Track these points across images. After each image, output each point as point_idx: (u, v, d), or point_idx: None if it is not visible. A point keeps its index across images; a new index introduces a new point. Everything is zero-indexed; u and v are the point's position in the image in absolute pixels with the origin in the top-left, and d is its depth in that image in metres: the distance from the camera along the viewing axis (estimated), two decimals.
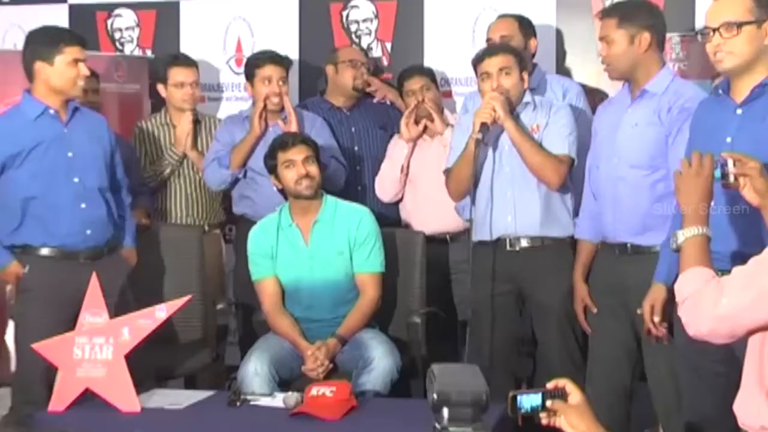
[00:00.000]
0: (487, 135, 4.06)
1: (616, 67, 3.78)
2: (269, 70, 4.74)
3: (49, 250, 4.07)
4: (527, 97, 4.22)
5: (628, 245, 3.80)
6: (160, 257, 4.65)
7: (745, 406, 2.31)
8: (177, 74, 5.07)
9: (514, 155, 4.13)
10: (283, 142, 4.24)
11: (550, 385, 2.22)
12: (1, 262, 4.08)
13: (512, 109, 4.14)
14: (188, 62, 5.15)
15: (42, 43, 4.07)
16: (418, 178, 4.82)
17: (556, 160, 4.10)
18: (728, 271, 2.31)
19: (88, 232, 4.09)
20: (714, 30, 3.13)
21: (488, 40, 4.71)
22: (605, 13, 3.87)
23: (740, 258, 2.70)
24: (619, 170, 3.78)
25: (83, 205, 4.08)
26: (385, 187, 4.89)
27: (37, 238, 4.06)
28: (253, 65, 4.80)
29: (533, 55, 4.77)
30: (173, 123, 5.06)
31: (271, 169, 4.25)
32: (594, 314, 3.96)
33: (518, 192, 4.16)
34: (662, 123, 3.70)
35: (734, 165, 2.65)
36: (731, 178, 2.66)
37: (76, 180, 4.07)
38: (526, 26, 4.74)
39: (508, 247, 4.18)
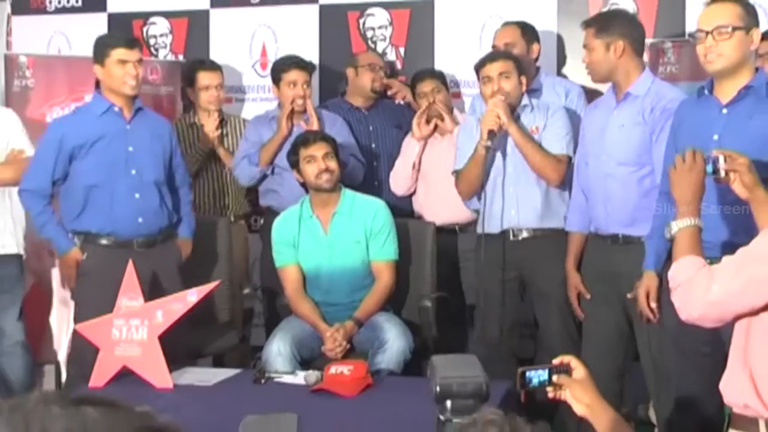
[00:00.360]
0: (495, 140, 4.08)
1: (596, 71, 3.86)
2: (294, 75, 4.75)
3: (107, 239, 4.14)
4: (525, 100, 4.24)
5: (620, 236, 3.81)
6: (192, 245, 4.65)
7: (730, 385, 2.31)
8: (203, 78, 5.09)
9: (517, 155, 4.16)
10: (304, 139, 4.25)
11: (555, 362, 2.22)
12: (65, 247, 4.17)
13: (512, 111, 4.16)
14: (213, 66, 5.17)
15: (97, 48, 4.18)
16: (429, 174, 4.82)
17: (556, 159, 4.14)
18: (718, 260, 2.32)
19: (140, 220, 4.15)
20: (707, 33, 3.14)
21: (494, 46, 4.71)
22: (586, 24, 3.94)
23: (729, 247, 2.71)
24: (608, 167, 3.80)
25: (137, 195, 4.15)
26: (398, 182, 4.90)
27: (95, 224, 4.13)
28: (279, 69, 4.80)
29: (536, 59, 4.76)
30: (200, 123, 5.07)
31: (294, 164, 4.26)
32: (587, 300, 3.97)
33: (521, 188, 4.18)
34: (646, 123, 3.73)
35: (725, 161, 2.65)
36: (722, 173, 2.65)
37: (133, 172, 4.15)
38: (528, 32, 4.73)
39: (511, 238, 4.20)
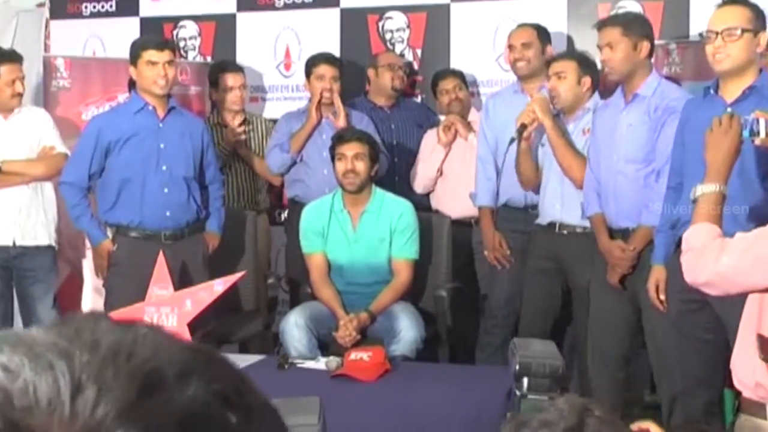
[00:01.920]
0: (526, 132, 4.09)
1: (618, 69, 3.79)
2: (323, 69, 4.80)
3: (136, 231, 4.19)
4: (590, 103, 4.17)
5: (630, 229, 3.80)
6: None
7: (741, 364, 2.25)
8: (227, 79, 5.11)
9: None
10: (340, 136, 4.25)
11: (634, 427, 2.18)
12: (97, 239, 4.26)
13: (563, 111, 4.14)
14: (236, 68, 5.20)
15: (131, 50, 4.24)
16: (447, 173, 4.85)
17: (585, 162, 4.04)
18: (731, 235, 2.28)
19: (168, 213, 4.19)
20: (717, 33, 3.15)
21: (509, 46, 4.71)
22: (609, 22, 3.89)
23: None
24: (618, 165, 3.81)
25: (166, 190, 4.20)
26: (421, 182, 4.92)
27: (126, 216, 4.19)
28: (310, 64, 4.88)
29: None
30: (224, 123, 5.10)
31: (333, 157, 4.26)
32: (596, 289, 3.95)
33: (566, 186, 4.14)
34: (652, 121, 3.71)
35: (766, 124, 2.53)
36: (762, 134, 2.53)
37: (164, 168, 4.19)
38: (543, 35, 4.72)
39: (557, 230, 4.19)
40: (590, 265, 3.99)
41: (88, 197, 4.26)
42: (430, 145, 4.90)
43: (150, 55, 4.13)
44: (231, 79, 5.11)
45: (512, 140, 4.11)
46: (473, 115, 4.89)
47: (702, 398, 3.37)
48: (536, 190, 4.35)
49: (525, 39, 4.64)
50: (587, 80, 4.16)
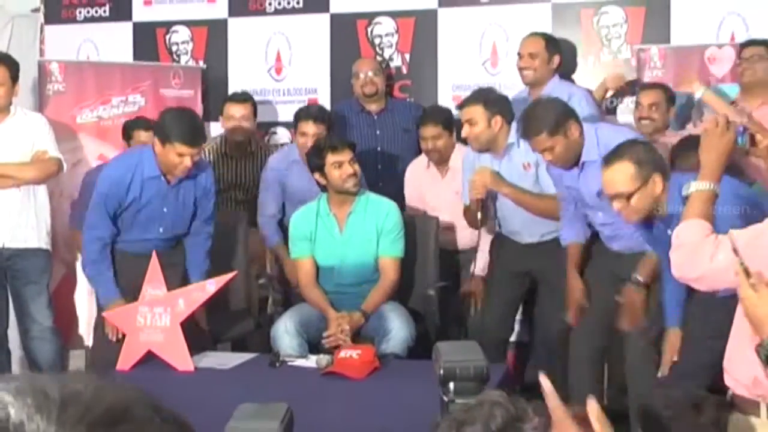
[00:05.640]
0: (486, 199, 4.15)
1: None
2: (306, 127, 4.58)
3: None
4: (511, 138, 4.11)
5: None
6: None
7: (736, 361, 2.22)
8: (229, 108, 4.99)
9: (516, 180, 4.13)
10: (332, 146, 4.14)
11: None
12: (108, 300, 3.93)
13: (499, 148, 4.11)
14: (242, 99, 5.05)
15: (163, 127, 3.88)
16: (435, 206, 4.65)
17: (554, 201, 4.02)
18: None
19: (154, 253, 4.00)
20: (612, 197, 3.14)
21: (519, 53, 4.69)
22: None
23: None
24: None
25: (157, 249, 3.89)
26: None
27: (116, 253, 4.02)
28: (296, 117, 4.67)
29: (556, 70, 4.71)
30: (230, 153, 5.01)
31: (318, 167, 4.15)
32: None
33: (525, 216, 4.16)
34: None
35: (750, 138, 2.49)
36: (748, 143, 2.49)
37: (161, 230, 4.03)
38: (551, 44, 4.68)
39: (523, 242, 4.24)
40: (558, 263, 4.00)
41: (109, 255, 3.99)
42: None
43: (182, 149, 3.81)
44: (234, 109, 4.98)
45: (475, 211, 4.15)
46: (454, 159, 4.61)
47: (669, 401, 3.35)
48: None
49: (532, 49, 4.62)
50: (497, 119, 4.08)
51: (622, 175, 3.08)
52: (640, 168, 3.07)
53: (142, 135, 4.59)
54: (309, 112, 4.66)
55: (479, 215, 4.13)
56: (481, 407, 1.09)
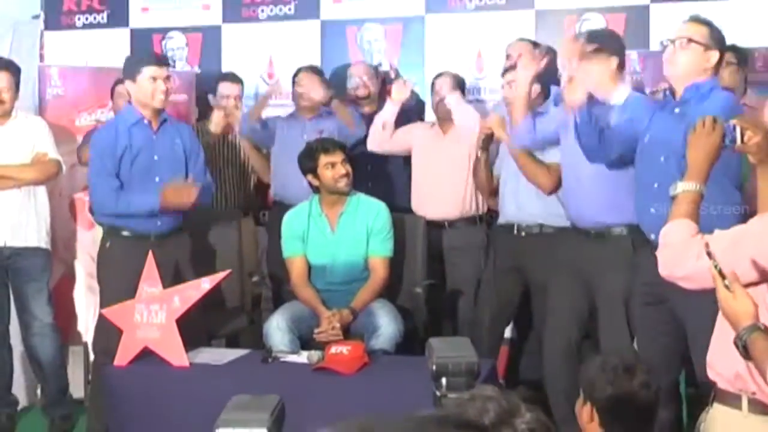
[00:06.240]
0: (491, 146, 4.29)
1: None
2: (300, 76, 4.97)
3: (127, 231, 4.14)
4: (543, 107, 4.19)
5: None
6: (207, 237, 4.68)
7: (719, 357, 2.20)
8: (222, 87, 5.15)
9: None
10: (324, 148, 4.24)
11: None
12: (153, 206, 4.10)
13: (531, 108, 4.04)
14: (234, 79, 5.23)
15: (129, 66, 4.19)
16: (424, 170, 4.73)
17: (548, 169, 4.08)
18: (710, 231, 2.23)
19: (159, 223, 4.15)
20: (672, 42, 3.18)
21: (507, 56, 4.77)
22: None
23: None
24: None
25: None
26: (371, 139, 4.85)
27: (119, 220, 4.14)
28: (294, 75, 5.05)
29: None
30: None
31: (311, 169, 4.25)
32: (555, 285, 3.96)
33: (522, 188, 4.19)
34: None
35: (741, 131, 2.41)
36: (739, 140, 2.40)
37: (156, 179, 4.13)
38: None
39: (515, 231, 4.27)
40: (548, 263, 4.01)
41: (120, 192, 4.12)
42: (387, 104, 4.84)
43: (151, 71, 4.09)
44: (227, 88, 5.16)
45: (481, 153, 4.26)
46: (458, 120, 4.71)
47: (662, 383, 3.41)
48: (494, 198, 4.43)
49: (518, 52, 4.69)
50: (537, 87, 4.18)
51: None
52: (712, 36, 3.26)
53: (122, 88, 4.63)
54: (302, 67, 5.05)
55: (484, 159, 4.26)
56: (474, 402, 1.08)
